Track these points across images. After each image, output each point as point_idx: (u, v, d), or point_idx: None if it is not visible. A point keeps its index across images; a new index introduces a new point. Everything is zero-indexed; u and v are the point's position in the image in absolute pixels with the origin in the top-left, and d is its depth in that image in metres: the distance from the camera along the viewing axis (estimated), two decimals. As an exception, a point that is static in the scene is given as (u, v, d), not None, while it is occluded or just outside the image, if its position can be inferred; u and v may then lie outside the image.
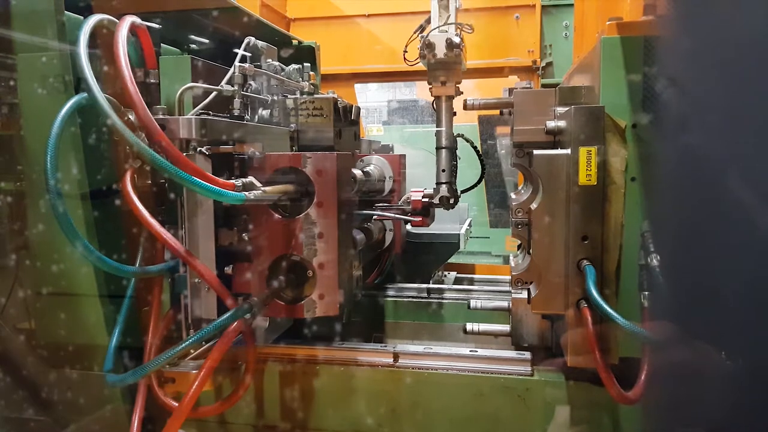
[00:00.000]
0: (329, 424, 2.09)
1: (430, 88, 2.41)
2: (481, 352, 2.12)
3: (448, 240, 3.26)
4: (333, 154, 1.83)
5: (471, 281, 3.78)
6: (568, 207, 1.82)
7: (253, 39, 2.17)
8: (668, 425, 1.13)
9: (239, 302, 1.75)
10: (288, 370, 2.11)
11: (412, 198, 2.41)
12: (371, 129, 5.94)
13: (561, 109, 1.92)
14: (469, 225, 3.56)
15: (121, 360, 1.83)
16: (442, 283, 3.51)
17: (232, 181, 1.66)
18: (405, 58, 2.46)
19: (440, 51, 2.24)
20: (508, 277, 2.11)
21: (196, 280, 1.79)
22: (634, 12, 2.13)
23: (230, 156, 1.84)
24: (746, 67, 0.93)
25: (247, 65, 2.02)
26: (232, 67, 2.01)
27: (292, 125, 2.19)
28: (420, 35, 2.32)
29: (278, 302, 1.86)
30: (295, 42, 3.07)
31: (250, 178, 1.72)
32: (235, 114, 1.94)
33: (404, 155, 2.79)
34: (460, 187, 2.71)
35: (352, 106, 2.38)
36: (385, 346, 2.19)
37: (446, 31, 2.26)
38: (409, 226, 3.16)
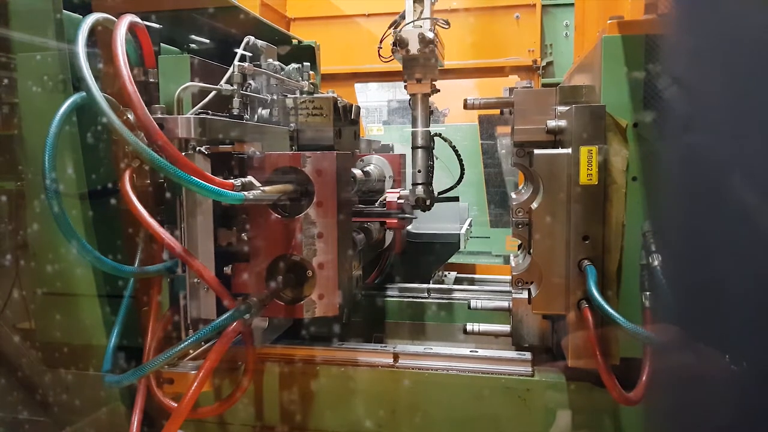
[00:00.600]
0: (329, 424, 2.08)
1: (405, 86, 2.38)
2: (481, 352, 2.11)
3: (449, 240, 3.25)
4: (332, 154, 1.82)
5: (471, 281, 3.78)
6: (569, 207, 1.81)
7: (252, 38, 2.16)
8: (670, 427, 1.13)
9: (238, 303, 1.75)
10: (287, 370, 2.11)
11: (388, 199, 2.38)
12: (371, 128, 5.94)
13: (562, 109, 1.91)
14: (470, 225, 3.55)
15: (119, 360, 1.82)
16: (442, 283, 3.50)
17: (231, 180, 1.65)
18: (379, 55, 2.44)
19: (413, 47, 2.21)
20: (509, 277, 2.10)
21: (195, 281, 1.78)
22: (635, 11, 2.12)
23: (229, 155, 1.83)
24: (748, 65, 0.93)
25: (246, 64, 2.02)
26: (232, 67, 2.00)
27: (291, 125, 2.18)
28: (394, 31, 2.29)
29: (278, 302, 1.85)
30: (294, 41, 3.06)
31: (249, 178, 1.71)
32: (234, 113, 1.93)
33: (404, 155, 2.78)
34: (459, 188, 2.70)
35: (352, 105, 2.37)
36: (385, 347, 2.18)
37: (420, 26, 2.24)
38: (409, 227, 3.15)
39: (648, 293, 1.74)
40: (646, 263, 1.75)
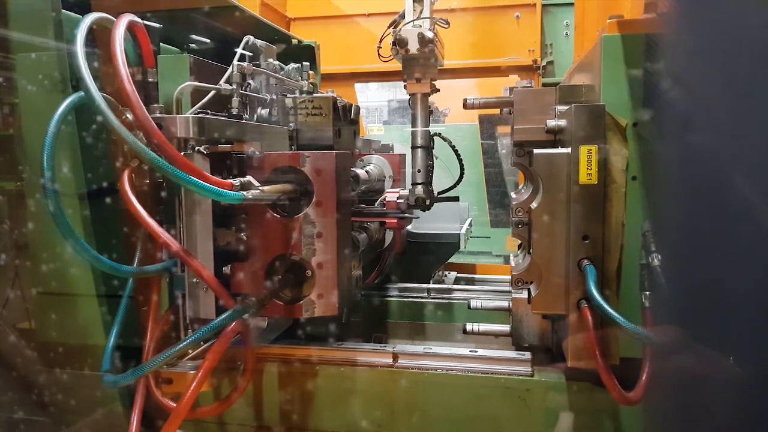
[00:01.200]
0: (328, 424, 2.07)
1: (404, 86, 2.38)
2: (481, 352, 2.10)
3: (449, 240, 3.24)
4: (332, 153, 1.83)
5: (471, 281, 3.77)
6: (569, 206, 1.81)
7: (252, 38, 2.16)
8: (670, 428, 1.12)
9: (237, 303, 1.74)
10: (287, 370, 2.10)
11: (387, 199, 2.38)
12: (371, 128, 5.94)
13: (561, 108, 1.91)
14: (470, 225, 3.55)
15: (118, 360, 1.82)
16: (442, 282, 3.50)
17: (229, 180, 1.65)
18: (379, 54, 2.43)
19: (413, 46, 2.21)
20: (509, 277, 2.09)
21: (194, 280, 1.78)
22: (635, 10, 2.12)
23: (228, 155, 1.83)
24: (747, 64, 0.92)
25: (245, 64, 2.01)
26: (231, 66, 2.00)
27: (291, 124, 2.18)
28: (393, 30, 2.28)
29: (277, 302, 1.85)
30: (294, 41, 3.06)
31: (248, 178, 1.71)
32: (233, 113, 1.93)
33: (404, 154, 2.77)
34: (459, 188, 2.69)
35: (352, 105, 2.37)
36: (385, 347, 2.18)
37: (420, 26, 2.23)
38: (409, 226, 3.15)
39: (648, 293, 1.74)
40: (646, 263, 1.75)
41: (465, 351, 2.12)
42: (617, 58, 1.78)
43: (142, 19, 1.79)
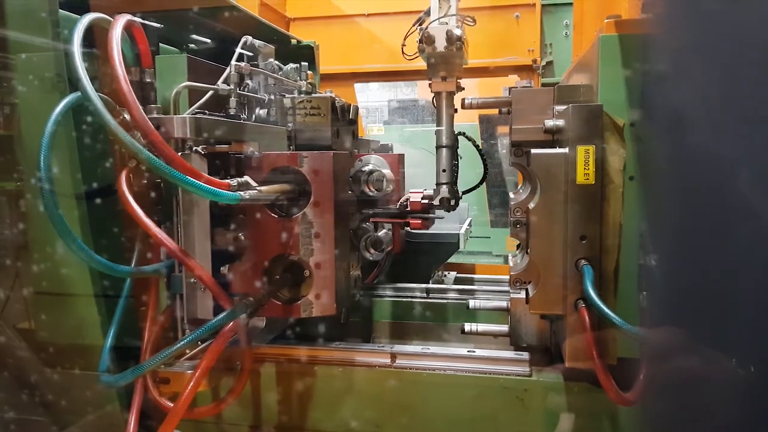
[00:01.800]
0: (326, 425, 2.08)
1: (429, 84, 2.36)
2: (479, 352, 2.10)
3: (448, 240, 3.24)
4: (329, 154, 1.84)
5: (471, 281, 3.77)
6: (566, 206, 1.81)
7: (250, 38, 2.16)
8: (667, 428, 1.12)
9: (235, 302, 1.75)
10: (284, 370, 2.10)
11: (411, 199, 2.37)
12: (372, 128, 5.94)
13: (559, 108, 1.91)
14: (469, 225, 3.55)
15: (115, 360, 1.82)
16: (441, 283, 3.49)
17: (227, 180, 1.65)
18: (403, 53, 2.42)
19: (440, 44, 2.18)
20: (508, 277, 2.09)
21: (192, 280, 1.78)
22: (633, 10, 2.12)
23: (226, 155, 1.83)
24: (745, 64, 0.92)
25: (243, 64, 2.02)
26: (229, 66, 2.00)
27: (289, 124, 2.18)
28: (419, 28, 2.26)
29: (275, 302, 1.86)
30: (294, 41, 3.06)
31: (246, 178, 1.72)
32: (231, 113, 1.93)
33: (403, 154, 2.77)
34: (460, 188, 2.69)
35: (350, 105, 2.37)
36: (383, 347, 2.18)
37: (446, 23, 2.21)
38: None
39: (646, 293, 1.74)
40: (644, 263, 1.75)
41: (463, 351, 2.12)
42: (615, 58, 1.78)
43: (141, 19, 1.80)
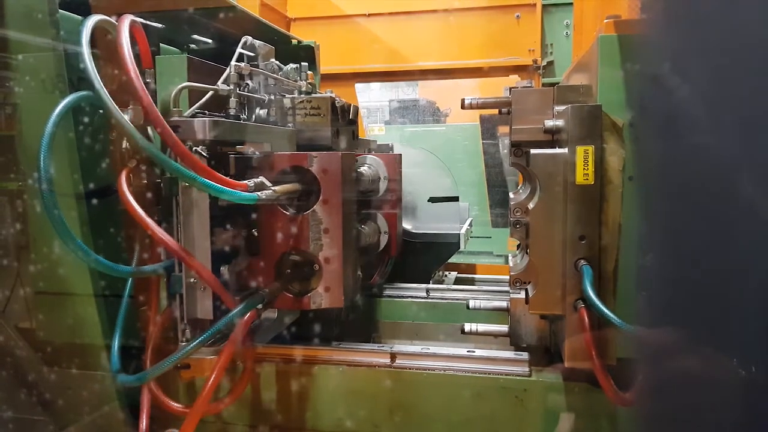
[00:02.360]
0: (325, 424, 2.08)
1: None
2: (478, 352, 2.10)
3: (449, 240, 3.24)
4: (338, 154, 1.90)
5: (472, 281, 3.77)
6: (566, 207, 1.81)
7: (250, 38, 2.16)
8: (666, 429, 1.12)
9: (237, 302, 1.76)
10: (284, 370, 2.10)
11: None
12: (373, 128, 5.95)
13: (559, 108, 1.90)
14: (470, 225, 3.55)
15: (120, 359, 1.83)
16: (442, 283, 3.50)
17: (244, 181, 1.70)
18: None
19: None
20: (508, 277, 2.09)
21: (192, 280, 1.79)
22: (633, 10, 2.12)
23: (239, 155, 1.88)
24: (744, 63, 0.92)
25: (243, 64, 2.02)
26: (229, 67, 2.00)
27: (289, 125, 2.19)
28: None
29: (286, 295, 1.93)
30: (294, 41, 3.06)
31: (261, 178, 1.76)
32: (231, 113, 1.94)
33: (400, 155, 2.76)
34: (459, 186, 2.69)
35: (350, 105, 2.37)
36: (383, 347, 2.18)
37: None
38: (407, 226, 3.15)
39: (645, 293, 1.74)
40: (643, 263, 1.75)
41: (463, 351, 2.12)
42: (614, 59, 1.78)
43: (142, 20, 1.80)
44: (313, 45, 3.09)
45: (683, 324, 1.03)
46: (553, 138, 1.92)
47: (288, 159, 1.90)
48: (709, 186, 0.98)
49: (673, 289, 1.08)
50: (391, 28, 4.67)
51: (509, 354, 2.11)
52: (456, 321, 2.70)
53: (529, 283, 1.94)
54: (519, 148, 2.02)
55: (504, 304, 2.35)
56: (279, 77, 2.27)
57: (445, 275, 3.70)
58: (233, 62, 2.01)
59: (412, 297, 2.87)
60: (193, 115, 1.82)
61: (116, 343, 1.83)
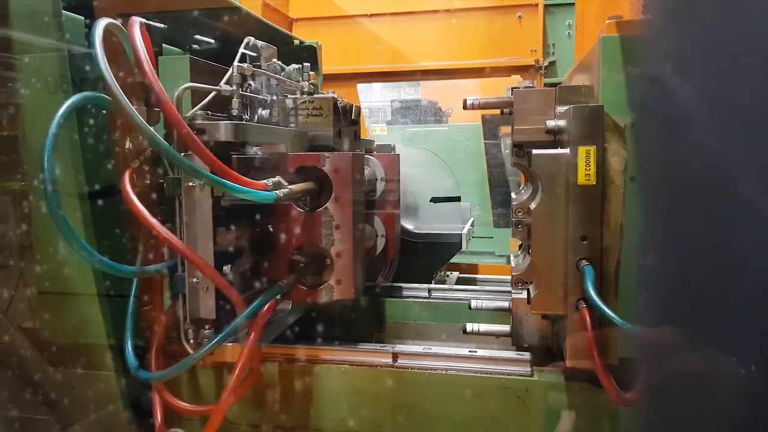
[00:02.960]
0: (327, 424, 2.08)
1: None
2: (480, 352, 2.11)
3: (450, 240, 3.24)
4: (349, 154, 1.99)
5: (474, 281, 3.77)
6: (567, 207, 1.81)
7: (252, 39, 2.17)
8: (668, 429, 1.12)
9: (242, 301, 1.79)
10: (286, 369, 2.11)
11: None
12: (375, 129, 5.95)
13: (561, 109, 1.91)
14: (472, 225, 3.55)
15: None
16: (444, 283, 3.50)
17: (263, 181, 1.75)
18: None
19: None
20: (510, 277, 2.10)
21: (194, 280, 1.80)
22: (635, 10, 2.12)
23: (255, 155, 1.92)
24: (747, 63, 0.92)
25: (245, 65, 2.03)
26: (231, 67, 2.01)
27: (291, 125, 2.20)
28: None
29: (300, 287, 2.00)
30: (296, 42, 3.07)
31: (278, 178, 1.80)
32: (234, 114, 1.95)
33: (398, 155, 2.75)
34: (461, 186, 2.69)
35: (353, 105, 2.38)
36: (384, 346, 2.19)
37: None
38: (408, 226, 3.15)
39: (646, 293, 1.74)
40: (645, 263, 1.75)
41: (464, 351, 2.12)
42: (616, 59, 1.78)
43: (145, 20, 1.81)
44: (315, 45, 3.09)
45: (684, 324, 1.03)
46: (554, 138, 1.93)
47: (301, 159, 1.99)
48: (710, 186, 0.98)
49: (675, 290, 1.08)
50: (393, 29, 4.67)
51: (511, 354, 2.12)
52: (458, 321, 2.71)
53: (530, 283, 1.95)
54: (521, 148, 2.02)
55: (506, 304, 2.35)
56: (281, 78, 2.28)
57: (447, 275, 3.70)
58: (236, 63, 2.01)
59: (413, 297, 2.87)
60: (206, 117, 1.85)
61: (129, 341, 1.85)
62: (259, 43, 2.20)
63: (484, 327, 2.28)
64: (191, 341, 1.84)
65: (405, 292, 2.92)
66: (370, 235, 2.59)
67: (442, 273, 3.63)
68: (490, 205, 5.28)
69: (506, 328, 2.26)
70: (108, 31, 1.67)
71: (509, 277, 2.05)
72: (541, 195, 1.85)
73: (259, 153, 1.93)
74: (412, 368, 2.06)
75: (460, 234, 3.24)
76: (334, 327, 2.40)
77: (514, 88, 2.05)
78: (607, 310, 1.65)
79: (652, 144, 1.18)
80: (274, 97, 2.22)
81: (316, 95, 2.31)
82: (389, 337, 2.82)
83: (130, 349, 1.84)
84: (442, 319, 2.78)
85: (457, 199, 3.38)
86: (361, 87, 5.00)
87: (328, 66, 3.63)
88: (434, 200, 3.34)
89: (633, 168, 1.78)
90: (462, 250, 3.29)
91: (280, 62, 2.30)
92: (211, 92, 1.94)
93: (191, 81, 1.93)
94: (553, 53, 4.50)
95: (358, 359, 2.11)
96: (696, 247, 0.99)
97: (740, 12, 0.95)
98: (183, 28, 2.45)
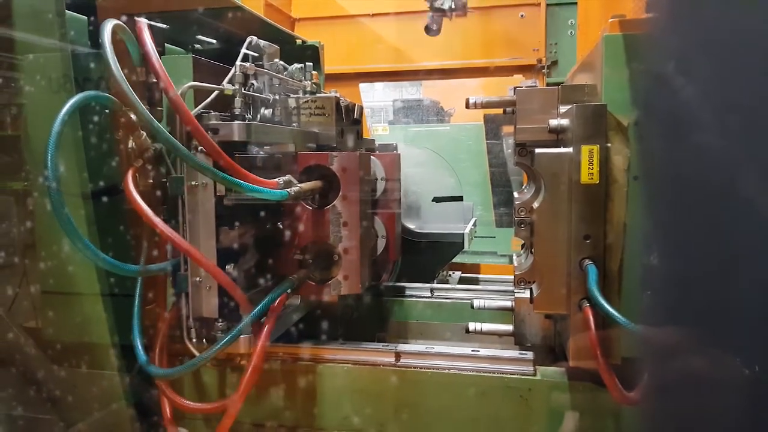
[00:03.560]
0: (329, 423, 2.08)
1: None
2: (483, 351, 2.10)
3: (453, 239, 3.24)
4: (356, 154, 2.06)
5: (476, 281, 3.76)
6: (570, 206, 1.81)
7: (255, 38, 2.17)
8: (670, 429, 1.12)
9: (247, 300, 1.82)
10: (289, 368, 2.11)
11: None
12: (377, 128, 5.95)
13: (564, 108, 1.90)
14: (474, 224, 3.54)
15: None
16: (446, 282, 3.49)
17: (275, 180, 1.78)
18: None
19: None
20: (513, 277, 2.10)
21: (197, 279, 1.80)
22: (638, 9, 2.11)
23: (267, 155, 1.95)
24: (750, 62, 0.92)
25: (248, 64, 2.03)
26: (234, 67, 2.01)
27: (294, 124, 2.20)
28: None
29: (309, 282, 2.06)
30: (298, 41, 3.07)
31: (288, 177, 1.84)
32: (236, 113, 1.95)
33: (399, 154, 2.74)
34: (463, 185, 2.68)
35: (355, 105, 2.38)
36: (387, 346, 2.19)
37: None
38: (410, 225, 3.14)
39: (650, 293, 1.73)
40: (649, 263, 1.74)
41: (467, 350, 2.12)
42: (619, 58, 1.78)
43: (147, 20, 1.81)
44: (317, 45, 3.09)
45: (688, 323, 1.03)
46: (557, 137, 1.92)
47: (310, 158, 2.04)
48: (714, 185, 0.98)
49: (678, 289, 1.08)
50: (396, 28, 4.67)
51: (514, 353, 2.11)
52: (460, 320, 2.71)
53: (533, 282, 1.94)
54: (523, 147, 2.02)
55: (508, 303, 2.35)
56: (284, 77, 2.28)
57: (450, 275, 3.70)
58: (238, 62, 2.01)
59: (416, 296, 2.87)
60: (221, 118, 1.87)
61: (138, 338, 1.87)
62: (262, 42, 2.20)
63: (486, 326, 2.28)
64: (194, 339, 1.85)
65: (408, 292, 2.92)
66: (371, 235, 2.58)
67: (445, 273, 3.62)
68: (492, 204, 5.28)
69: (509, 327, 2.26)
70: (113, 32, 1.68)
71: (512, 277, 2.05)
72: (543, 194, 1.85)
73: (261, 152, 1.93)
74: (414, 367, 2.06)
75: (463, 234, 3.23)
76: (336, 326, 2.40)
77: (517, 87, 2.05)
78: (611, 310, 1.64)
79: (655, 143, 1.18)
80: (277, 97, 2.22)
81: (318, 94, 2.31)
82: (392, 336, 2.82)
83: (139, 345, 1.86)
84: (445, 318, 2.78)
85: (460, 198, 3.38)
86: (363, 87, 5.00)
87: (330, 66, 3.63)
88: (436, 200, 3.34)
89: (636, 167, 1.78)
90: (464, 249, 3.28)
91: (282, 62, 2.30)
92: (213, 91, 1.94)
93: (194, 80, 1.93)
94: (556, 52, 4.49)
95: (361, 358, 2.11)
96: (699, 246, 0.99)
97: (743, 10, 0.95)
98: (185, 28, 2.44)
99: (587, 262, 1.79)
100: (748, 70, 0.92)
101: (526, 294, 2.03)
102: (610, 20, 1.82)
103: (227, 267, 1.84)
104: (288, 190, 1.79)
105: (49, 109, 1.65)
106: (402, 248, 2.88)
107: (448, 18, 3.36)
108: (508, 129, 5.18)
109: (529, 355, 2.09)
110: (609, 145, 1.78)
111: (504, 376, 2.00)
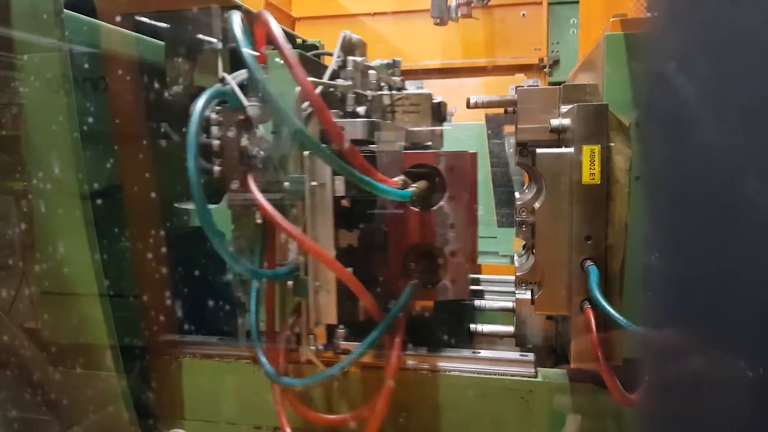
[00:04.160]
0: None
1: None
2: (483, 353, 2.09)
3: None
4: (465, 153, 1.99)
5: (477, 281, 3.75)
6: (572, 206, 1.80)
7: (348, 32, 2.12)
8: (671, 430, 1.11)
9: (376, 304, 1.81)
10: (289, 369, 2.10)
11: None
12: (378, 128, 5.93)
13: (565, 107, 1.89)
14: (475, 224, 3.53)
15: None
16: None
17: (395, 179, 1.75)
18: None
19: None
20: (514, 278, 2.09)
21: (317, 284, 1.75)
22: (640, 8, 2.10)
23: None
24: (752, 61, 0.91)
25: (359, 59, 2.00)
26: (343, 62, 2.00)
27: (388, 122, 2.15)
28: None
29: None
30: (299, 41, 3.06)
31: (403, 177, 1.80)
32: (348, 110, 1.93)
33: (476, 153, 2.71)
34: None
35: (441, 102, 2.34)
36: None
37: None
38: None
39: (652, 294, 1.72)
40: (650, 263, 1.73)
41: (467, 352, 2.11)
42: (620, 57, 1.77)
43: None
44: (317, 44, 3.08)
45: (690, 325, 1.02)
46: (559, 137, 1.91)
47: (416, 157, 1.98)
48: (716, 185, 0.97)
49: (680, 290, 1.07)
50: (396, 28, 4.67)
51: (514, 355, 2.10)
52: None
53: (534, 283, 1.93)
54: (525, 147, 2.01)
55: (509, 304, 2.34)
56: (375, 72, 2.24)
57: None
58: (350, 57, 1.99)
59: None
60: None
61: (260, 350, 1.84)
62: (354, 37, 2.15)
63: (487, 327, 2.27)
64: (311, 347, 1.81)
65: (408, 292, 2.90)
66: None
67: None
68: (493, 204, 5.26)
69: (510, 328, 2.25)
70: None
71: (513, 278, 2.04)
72: (545, 194, 1.83)
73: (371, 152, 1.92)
74: (414, 369, 2.05)
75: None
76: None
77: (518, 86, 2.04)
78: (612, 311, 1.63)
79: (657, 143, 1.17)
80: (372, 93, 2.19)
81: (412, 91, 2.27)
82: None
83: (263, 357, 1.83)
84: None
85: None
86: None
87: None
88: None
89: (638, 167, 1.76)
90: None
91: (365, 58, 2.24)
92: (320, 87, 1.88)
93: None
94: (557, 52, 4.48)
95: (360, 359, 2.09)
96: (702, 246, 0.98)
97: (746, 9, 0.94)
98: (184, 27, 2.43)
99: (588, 263, 1.78)
100: (750, 69, 0.91)
101: (528, 295, 2.02)
102: (612, 19, 1.80)
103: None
104: (410, 189, 1.74)
105: (48, 110, 1.65)
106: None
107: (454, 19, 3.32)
108: (509, 128, 5.16)
109: (530, 356, 2.08)
110: (611, 145, 1.77)
111: (505, 377, 1.99)
